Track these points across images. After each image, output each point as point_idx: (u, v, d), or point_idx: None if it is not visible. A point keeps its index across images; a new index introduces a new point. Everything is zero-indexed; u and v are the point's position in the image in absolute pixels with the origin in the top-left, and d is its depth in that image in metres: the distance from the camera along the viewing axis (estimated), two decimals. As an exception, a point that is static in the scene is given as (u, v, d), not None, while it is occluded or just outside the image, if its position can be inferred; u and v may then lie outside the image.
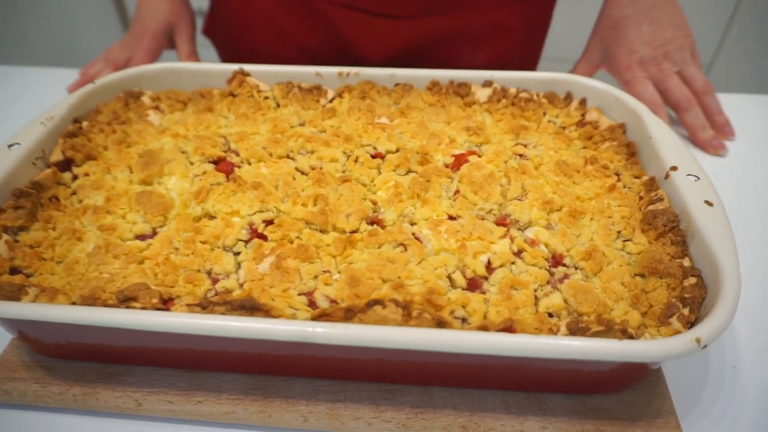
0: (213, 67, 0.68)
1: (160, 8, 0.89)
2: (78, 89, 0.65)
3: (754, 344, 0.52)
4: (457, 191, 0.52)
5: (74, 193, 0.55)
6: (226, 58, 0.98)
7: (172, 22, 0.90)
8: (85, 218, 0.52)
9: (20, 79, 0.92)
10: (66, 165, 0.57)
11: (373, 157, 0.57)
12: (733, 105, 0.79)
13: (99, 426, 0.46)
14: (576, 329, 0.40)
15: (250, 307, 0.40)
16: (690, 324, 0.42)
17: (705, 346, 0.37)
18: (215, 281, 0.46)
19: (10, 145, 0.54)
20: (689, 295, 0.43)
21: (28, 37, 2.04)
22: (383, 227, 0.49)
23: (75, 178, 0.56)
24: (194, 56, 0.92)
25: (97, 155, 0.59)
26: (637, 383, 0.46)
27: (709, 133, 0.74)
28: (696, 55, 0.77)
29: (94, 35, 2.06)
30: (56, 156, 0.56)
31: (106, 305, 0.42)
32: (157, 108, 0.66)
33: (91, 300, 0.42)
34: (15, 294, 0.43)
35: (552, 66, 0.74)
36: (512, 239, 0.48)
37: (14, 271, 0.48)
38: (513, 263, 0.46)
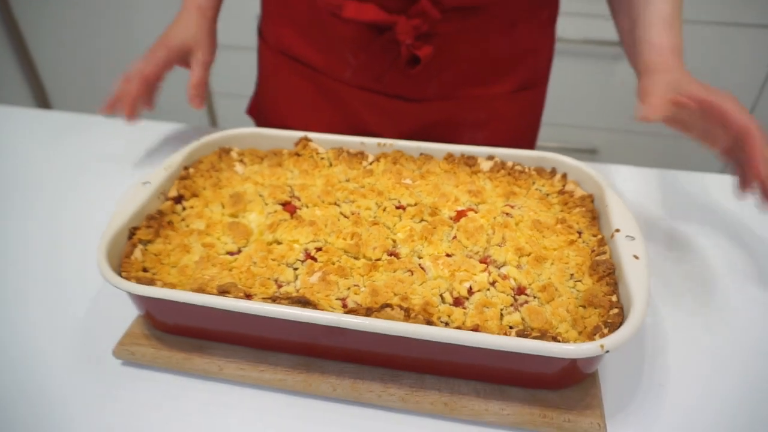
0: (284, 134, 0.91)
1: (183, 30, 0.96)
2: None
3: (682, 368, 0.68)
4: (455, 237, 0.72)
5: (183, 219, 0.77)
6: None
7: (190, 46, 0.96)
8: (192, 238, 0.74)
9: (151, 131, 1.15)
10: (178, 200, 0.80)
11: (397, 208, 0.77)
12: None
13: (191, 383, 0.66)
14: (522, 335, 0.58)
15: (304, 302, 0.60)
16: (607, 340, 0.59)
17: (607, 351, 0.55)
18: (280, 286, 0.67)
19: (144, 183, 0.78)
20: (611, 321, 0.60)
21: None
22: (399, 258, 0.69)
23: (183, 209, 0.79)
24: (203, 84, 0.96)
25: (199, 194, 0.81)
26: (575, 384, 0.63)
27: None
28: None
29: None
30: (172, 193, 0.79)
31: (210, 294, 0.63)
32: (241, 161, 0.89)
33: (200, 290, 0.63)
34: (149, 283, 0.65)
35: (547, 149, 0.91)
36: (489, 273, 0.67)
37: (144, 270, 0.70)
38: (488, 290, 0.65)
